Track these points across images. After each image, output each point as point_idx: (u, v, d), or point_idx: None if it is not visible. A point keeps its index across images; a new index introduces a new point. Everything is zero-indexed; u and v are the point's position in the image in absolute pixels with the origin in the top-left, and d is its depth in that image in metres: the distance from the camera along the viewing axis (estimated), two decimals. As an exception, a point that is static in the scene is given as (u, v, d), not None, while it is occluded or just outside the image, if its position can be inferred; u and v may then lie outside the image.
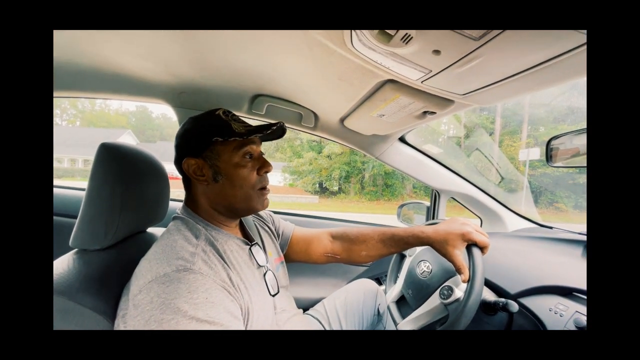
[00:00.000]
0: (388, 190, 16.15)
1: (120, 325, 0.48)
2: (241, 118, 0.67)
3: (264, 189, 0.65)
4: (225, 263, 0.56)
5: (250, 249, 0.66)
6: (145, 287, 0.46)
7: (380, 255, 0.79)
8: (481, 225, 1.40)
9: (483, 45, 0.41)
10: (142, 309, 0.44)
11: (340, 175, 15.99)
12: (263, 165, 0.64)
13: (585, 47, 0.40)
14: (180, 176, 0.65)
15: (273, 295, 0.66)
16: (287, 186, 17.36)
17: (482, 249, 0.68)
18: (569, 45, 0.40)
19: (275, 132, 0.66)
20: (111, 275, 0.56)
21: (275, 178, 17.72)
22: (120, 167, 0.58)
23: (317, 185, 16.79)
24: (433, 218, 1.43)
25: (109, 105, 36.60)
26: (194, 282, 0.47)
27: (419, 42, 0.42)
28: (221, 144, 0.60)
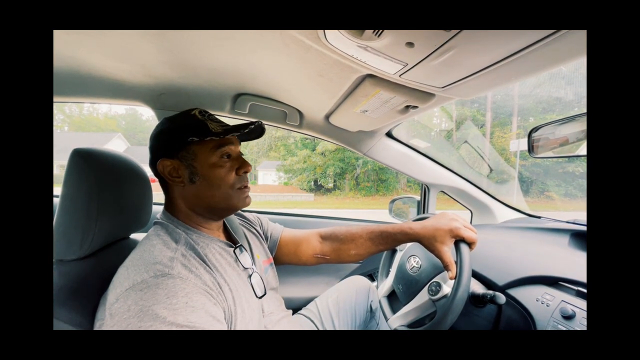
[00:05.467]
0: (382, 185, 16.24)
1: None
2: (220, 118, 0.66)
3: (244, 187, 0.64)
4: (207, 266, 0.55)
5: (234, 251, 0.65)
6: (122, 295, 0.45)
7: (369, 254, 0.79)
8: (471, 218, 1.41)
9: (454, 36, 0.40)
10: (119, 318, 0.42)
11: (334, 172, 16.00)
12: (242, 166, 0.63)
13: (558, 34, 0.39)
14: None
15: (259, 298, 0.65)
16: (282, 185, 17.31)
17: (470, 244, 0.68)
18: (541, 33, 0.39)
19: (253, 131, 0.65)
20: (90, 285, 0.54)
21: (270, 177, 17.71)
22: (94, 173, 0.56)
23: (312, 182, 16.75)
24: (423, 212, 1.43)
25: (97, 109, 35.91)
26: (173, 287, 0.46)
27: (391, 34, 0.42)
28: (197, 144, 0.59)
